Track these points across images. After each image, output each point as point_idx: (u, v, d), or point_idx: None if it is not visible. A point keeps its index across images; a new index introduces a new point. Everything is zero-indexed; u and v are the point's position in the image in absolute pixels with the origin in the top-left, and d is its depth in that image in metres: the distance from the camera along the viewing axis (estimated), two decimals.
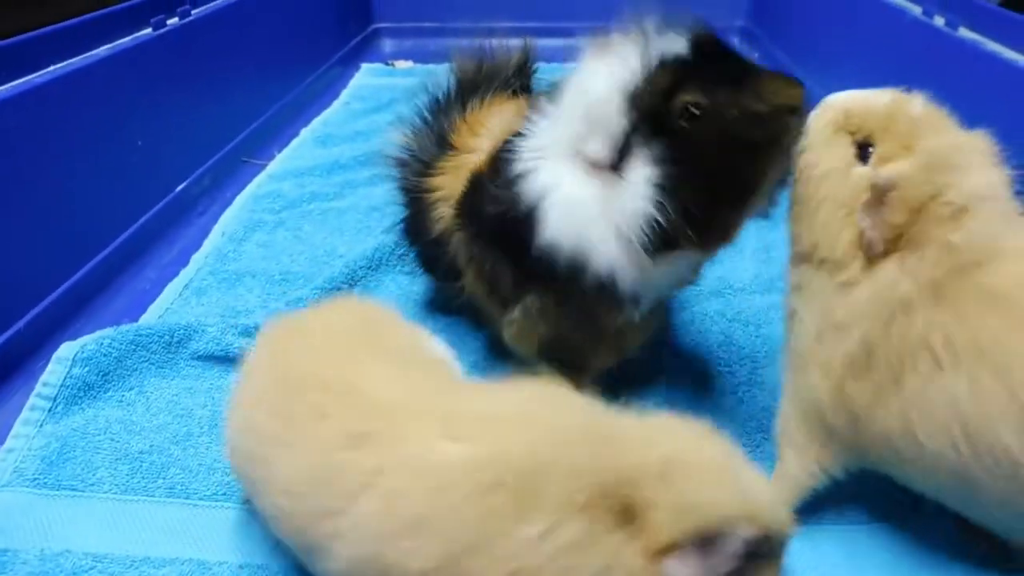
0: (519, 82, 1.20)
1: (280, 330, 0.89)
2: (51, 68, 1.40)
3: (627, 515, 0.63)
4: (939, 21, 1.62)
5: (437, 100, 1.20)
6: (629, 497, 0.63)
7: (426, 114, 1.20)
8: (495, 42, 1.23)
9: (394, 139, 1.21)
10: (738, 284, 1.39)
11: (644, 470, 0.64)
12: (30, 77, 1.35)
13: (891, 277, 0.71)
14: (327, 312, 0.91)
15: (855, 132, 0.75)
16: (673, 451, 0.66)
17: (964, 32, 1.53)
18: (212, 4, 1.94)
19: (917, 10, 1.72)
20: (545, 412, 0.70)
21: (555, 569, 0.61)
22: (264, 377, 0.84)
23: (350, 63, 2.68)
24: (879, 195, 0.69)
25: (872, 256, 0.71)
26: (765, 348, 1.22)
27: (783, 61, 2.44)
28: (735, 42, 2.79)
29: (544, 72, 2.21)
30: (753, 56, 2.67)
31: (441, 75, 1.23)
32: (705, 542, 0.62)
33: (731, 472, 0.66)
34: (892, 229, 0.68)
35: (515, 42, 1.23)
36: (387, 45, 2.92)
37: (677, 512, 0.62)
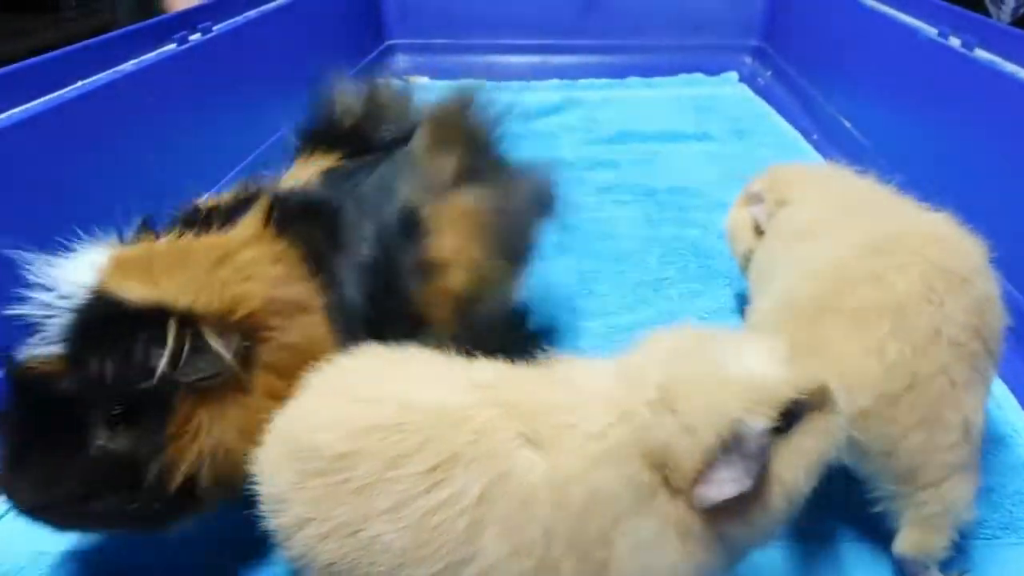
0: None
1: None
2: (77, 84, 1.42)
3: (658, 467, 0.61)
4: (955, 42, 1.62)
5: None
6: (653, 451, 0.61)
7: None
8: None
9: None
10: None
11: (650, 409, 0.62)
12: (50, 96, 1.37)
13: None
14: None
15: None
16: (663, 377, 0.63)
17: (980, 53, 1.53)
18: (220, 26, 1.95)
19: (932, 31, 1.72)
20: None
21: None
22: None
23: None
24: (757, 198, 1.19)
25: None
26: None
27: (796, 80, 2.44)
28: (748, 61, 2.80)
29: (549, 90, 2.20)
30: (766, 75, 2.68)
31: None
32: (725, 451, 0.59)
33: (723, 367, 0.62)
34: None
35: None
36: (401, 61, 2.94)
37: (685, 439, 0.59)
